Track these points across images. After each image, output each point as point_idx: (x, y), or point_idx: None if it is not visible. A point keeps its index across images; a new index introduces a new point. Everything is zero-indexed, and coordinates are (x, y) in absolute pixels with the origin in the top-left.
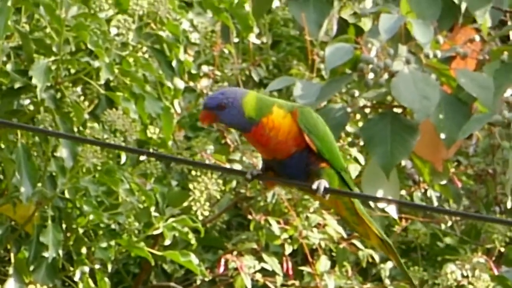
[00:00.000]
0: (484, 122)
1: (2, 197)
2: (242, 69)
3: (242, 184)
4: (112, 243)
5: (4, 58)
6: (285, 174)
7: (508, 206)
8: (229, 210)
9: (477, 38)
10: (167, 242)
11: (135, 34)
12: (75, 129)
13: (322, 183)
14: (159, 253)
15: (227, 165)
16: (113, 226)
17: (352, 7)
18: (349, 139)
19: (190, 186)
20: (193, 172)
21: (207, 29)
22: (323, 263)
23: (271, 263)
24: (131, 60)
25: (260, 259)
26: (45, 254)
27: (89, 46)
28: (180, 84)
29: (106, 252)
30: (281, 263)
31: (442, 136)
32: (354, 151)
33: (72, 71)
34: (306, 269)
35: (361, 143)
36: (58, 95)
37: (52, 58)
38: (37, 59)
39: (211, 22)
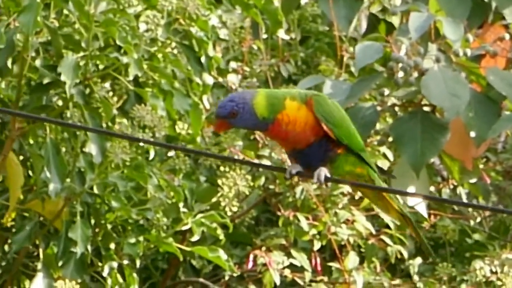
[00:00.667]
0: None
1: (31, 193)
2: (271, 65)
3: (271, 180)
4: (141, 238)
5: (33, 54)
6: (305, 162)
7: None
8: (258, 206)
9: (507, 36)
10: (196, 237)
11: (164, 30)
12: (104, 125)
13: (322, 173)
14: (188, 249)
15: (260, 161)
16: (141, 222)
17: (382, 2)
18: (378, 137)
19: (219, 181)
20: (222, 168)
21: (236, 25)
22: (351, 259)
23: (300, 259)
24: (160, 56)
25: (289, 255)
26: (74, 250)
27: (117, 42)
28: (209, 80)
29: (134, 248)
30: (309, 259)
31: (472, 134)
32: (383, 148)
33: (101, 66)
34: (334, 265)
35: (390, 139)
36: (87, 91)
37: (81, 53)
38: (66, 54)
39: (240, 18)
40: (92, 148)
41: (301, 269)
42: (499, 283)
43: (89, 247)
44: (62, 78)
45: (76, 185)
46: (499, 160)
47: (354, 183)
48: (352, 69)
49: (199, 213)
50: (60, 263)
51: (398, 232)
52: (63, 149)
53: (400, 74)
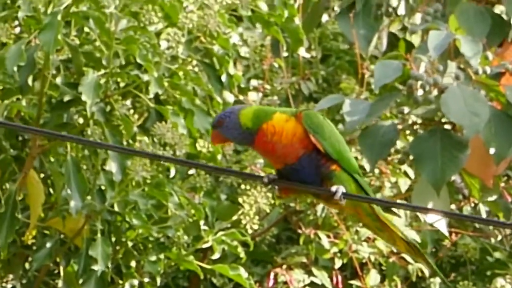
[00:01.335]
0: None
1: (52, 210)
2: (291, 83)
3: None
4: (161, 256)
5: (54, 71)
6: (298, 180)
7: None
8: (279, 224)
9: None
10: (216, 255)
11: (185, 48)
12: (125, 142)
13: (340, 188)
14: (208, 267)
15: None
16: (162, 240)
17: (402, 21)
18: (399, 156)
19: (240, 199)
20: (243, 186)
21: (256, 43)
22: (372, 277)
23: (321, 277)
24: (180, 73)
25: (310, 273)
26: (94, 267)
27: (138, 60)
28: (230, 97)
29: (155, 266)
30: (330, 277)
31: (492, 151)
32: (404, 166)
33: (122, 84)
34: (355, 283)
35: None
36: (108, 108)
37: (102, 71)
38: (87, 72)
39: (260, 36)
40: (112, 166)
41: (322, 287)
42: None
43: (109, 265)
44: (83, 98)
45: (97, 203)
46: None
47: (371, 199)
48: (373, 86)
49: (220, 231)
50: (80, 281)
51: None
52: (84, 167)
53: (420, 92)
